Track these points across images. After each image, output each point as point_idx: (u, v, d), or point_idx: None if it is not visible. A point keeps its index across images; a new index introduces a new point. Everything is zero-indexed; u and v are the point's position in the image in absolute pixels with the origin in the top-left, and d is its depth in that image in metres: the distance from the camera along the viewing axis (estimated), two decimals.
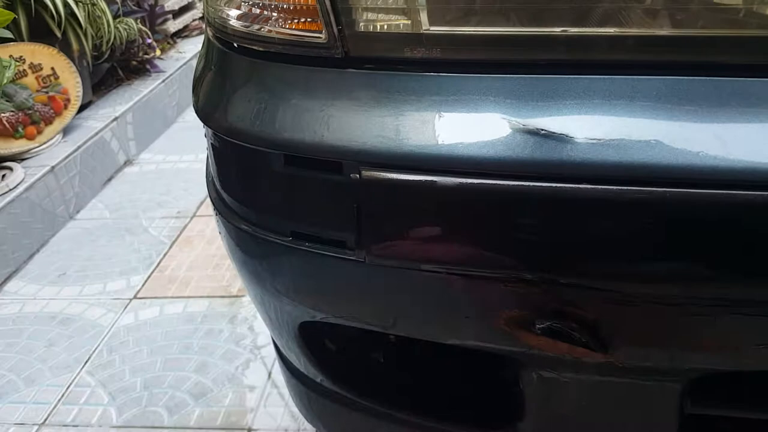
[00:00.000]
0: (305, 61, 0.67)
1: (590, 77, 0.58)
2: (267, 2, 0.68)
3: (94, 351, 1.54)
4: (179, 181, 2.29)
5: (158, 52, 2.88)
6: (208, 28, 0.82)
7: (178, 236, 1.97)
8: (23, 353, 1.56)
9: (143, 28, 2.75)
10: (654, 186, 0.54)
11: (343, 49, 0.64)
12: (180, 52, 3.04)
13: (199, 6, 3.43)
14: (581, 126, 0.56)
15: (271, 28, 0.69)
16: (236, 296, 1.68)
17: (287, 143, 0.65)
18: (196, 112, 0.78)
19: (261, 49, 0.70)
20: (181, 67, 2.88)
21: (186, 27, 3.25)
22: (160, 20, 2.99)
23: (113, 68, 2.68)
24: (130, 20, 2.65)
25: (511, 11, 0.61)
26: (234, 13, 0.73)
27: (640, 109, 0.57)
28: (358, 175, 0.61)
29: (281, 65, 0.69)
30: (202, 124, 0.78)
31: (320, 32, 0.65)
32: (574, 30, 0.57)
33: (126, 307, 1.68)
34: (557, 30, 0.57)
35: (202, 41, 0.83)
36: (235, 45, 0.74)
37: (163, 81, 2.73)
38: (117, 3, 2.59)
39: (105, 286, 1.77)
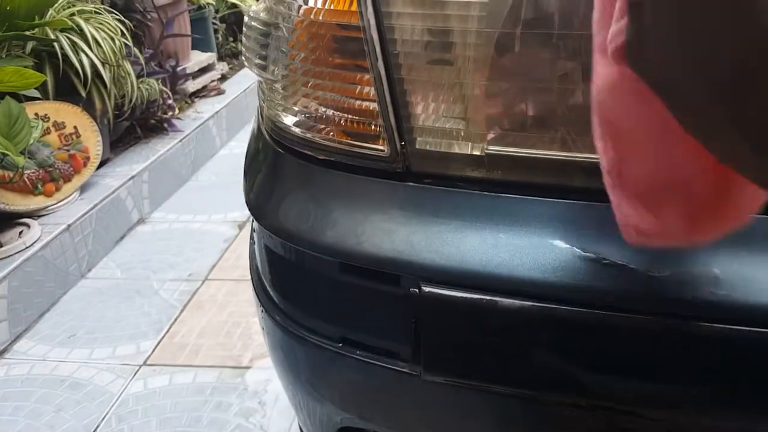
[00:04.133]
0: (363, 171, 0.69)
1: None
2: (327, 115, 0.70)
3: (102, 419, 1.51)
4: (191, 242, 2.29)
5: (176, 111, 2.93)
6: (261, 123, 0.84)
7: (189, 300, 1.96)
8: (31, 417, 1.53)
9: (164, 88, 2.81)
10: (717, 323, 0.55)
11: (405, 164, 0.66)
12: (198, 112, 3.09)
13: (218, 67, 3.50)
14: (644, 258, 0.57)
15: (330, 138, 0.71)
16: (246, 367, 1.66)
17: (345, 252, 0.66)
18: (248, 206, 0.79)
19: (319, 156, 0.72)
20: (198, 127, 2.93)
21: (204, 87, 3.32)
22: (181, 81, 3.05)
23: (132, 126, 2.72)
24: (152, 80, 2.70)
25: (571, 137, 0.63)
26: (291, 120, 0.75)
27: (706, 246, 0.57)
28: (417, 290, 0.62)
29: (339, 173, 0.71)
30: (253, 219, 0.79)
31: (383, 147, 0.67)
32: None
33: (135, 374, 1.65)
34: None
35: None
36: (291, 147, 0.75)
37: (180, 141, 2.77)
38: (141, 64, 2.64)
39: (114, 351, 1.75)
